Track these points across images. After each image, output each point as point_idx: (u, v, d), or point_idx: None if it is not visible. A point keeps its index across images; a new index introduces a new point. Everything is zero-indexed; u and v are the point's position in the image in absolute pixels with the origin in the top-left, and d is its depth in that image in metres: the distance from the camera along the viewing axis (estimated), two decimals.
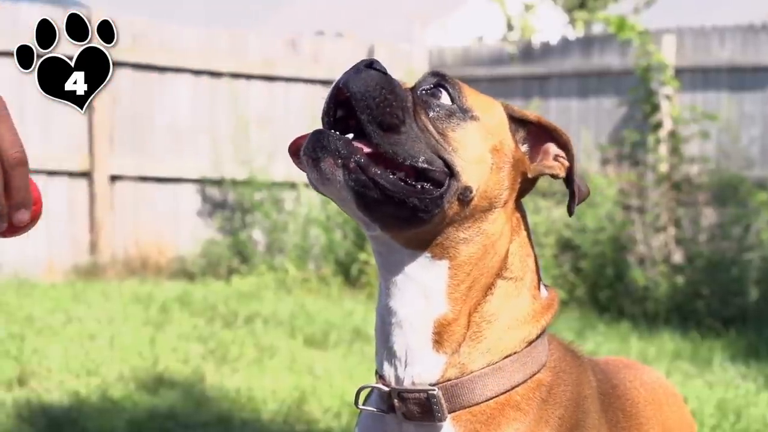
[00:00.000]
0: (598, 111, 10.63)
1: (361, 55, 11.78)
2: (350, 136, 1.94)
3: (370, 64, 1.97)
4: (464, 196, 1.96)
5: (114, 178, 10.59)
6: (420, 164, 1.92)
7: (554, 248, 9.50)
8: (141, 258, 10.70)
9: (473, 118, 2.01)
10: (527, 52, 11.45)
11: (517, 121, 2.10)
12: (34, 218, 1.82)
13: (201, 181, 11.04)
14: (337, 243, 10.32)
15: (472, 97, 2.04)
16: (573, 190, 2.08)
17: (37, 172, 10.19)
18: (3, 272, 9.91)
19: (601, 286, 9.20)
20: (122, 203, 10.69)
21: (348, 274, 10.22)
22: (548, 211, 9.80)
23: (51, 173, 10.28)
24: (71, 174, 10.42)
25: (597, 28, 16.30)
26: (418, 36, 15.80)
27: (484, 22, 20.09)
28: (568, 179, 2.10)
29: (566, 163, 2.10)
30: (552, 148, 2.11)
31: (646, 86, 9.87)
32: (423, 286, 2.00)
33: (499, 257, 2.04)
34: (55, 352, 6.61)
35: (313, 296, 9.66)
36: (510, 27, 15.21)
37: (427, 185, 1.93)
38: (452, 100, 2.01)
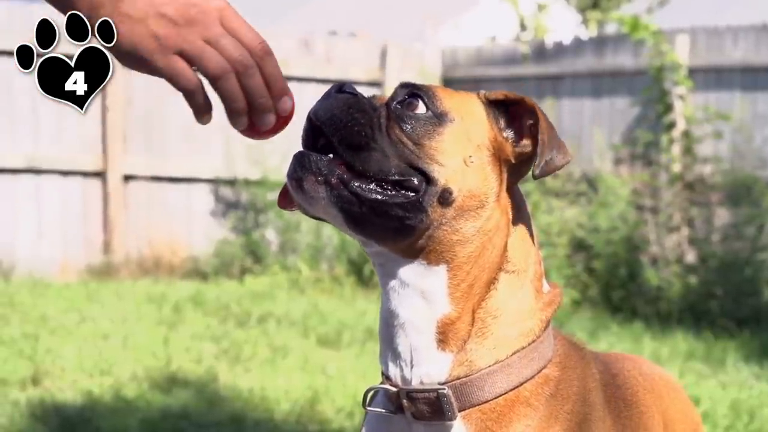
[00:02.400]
0: (612, 111, 10.62)
1: (374, 55, 11.79)
2: (330, 156, 1.97)
3: (340, 88, 2.03)
4: (444, 199, 1.96)
5: (127, 178, 10.62)
6: (392, 177, 1.95)
7: (567, 248, 9.50)
8: (154, 258, 10.72)
9: (450, 121, 2.01)
10: (540, 52, 11.43)
11: (497, 107, 2.09)
12: (293, 108, 1.89)
13: (214, 181, 11.06)
14: (350, 243, 10.32)
15: (447, 100, 2.04)
16: (536, 153, 2.01)
17: (51, 172, 10.23)
18: (17, 272, 9.94)
19: (614, 286, 9.19)
20: (135, 203, 10.71)
21: (361, 274, 10.23)
22: (561, 212, 9.79)
23: (65, 173, 10.31)
24: (85, 174, 10.45)
25: (610, 28, 16.27)
26: (431, 36, 15.79)
27: (497, 21, 20.06)
28: (536, 143, 2.03)
29: (533, 136, 2.06)
30: (527, 121, 2.08)
31: (659, 86, 9.86)
32: (423, 291, 2.01)
33: (498, 252, 2.03)
34: (69, 352, 6.63)
35: (326, 296, 9.67)
36: (523, 27, 15.18)
37: (406, 192, 1.96)
38: (427, 107, 2.01)
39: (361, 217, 1.95)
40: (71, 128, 10.25)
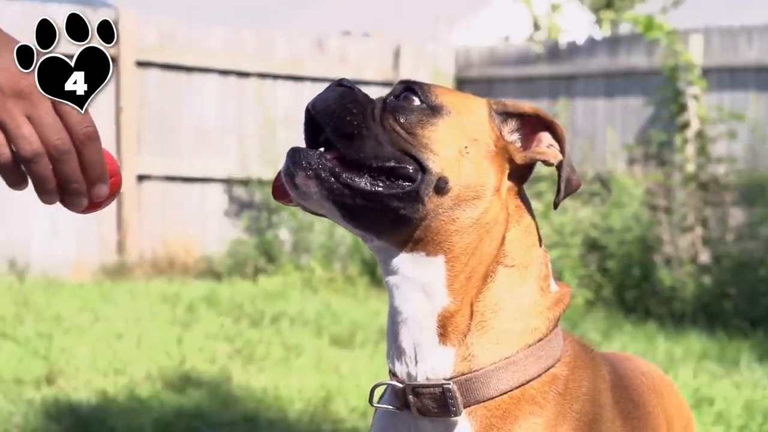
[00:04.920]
0: (625, 111, 10.60)
1: (387, 55, 11.80)
2: (321, 150, 2.01)
3: (339, 83, 2.07)
4: (440, 188, 1.99)
5: (141, 178, 10.64)
6: (388, 164, 1.98)
7: (581, 248, 9.49)
8: (168, 258, 10.74)
9: (446, 113, 2.05)
10: (554, 52, 11.43)
11: (508, 114, 2.12)
12: (113, 192, 1.81)
13: (228, 181, 11.08)
14: (363, 243, 10.32)
15: (444, 96, 2.08)
16: (559, 184, 2.09)
17: None
18: (31, 272, 9.97)
19: (628, 286, 9.17)
20: (149, 203, 10.74)
21: (374, 273, 10.23)
22: (574, 211, 9.78)
23: None
24: None
25: (624, 28, 16.26)
26: (445, 36, 15.77)
27: (510, 22, 20.10)
28: (559, 171, 2.10)
29: (559, 155, 2.10)
30: (546, 137, 2.11)
31: (673, 86, 9.84)
32: (423, 284, 2.03)
33: (495, 243, 2.05)
34: (83, 352, 6.65)
35: (339, 296, 9.68)
36: (536, 27, 15.19)
37: (401, 182, 1.98)
38: (421, 101, 2.05)
39: (355, 209, 1.99)
40: None
